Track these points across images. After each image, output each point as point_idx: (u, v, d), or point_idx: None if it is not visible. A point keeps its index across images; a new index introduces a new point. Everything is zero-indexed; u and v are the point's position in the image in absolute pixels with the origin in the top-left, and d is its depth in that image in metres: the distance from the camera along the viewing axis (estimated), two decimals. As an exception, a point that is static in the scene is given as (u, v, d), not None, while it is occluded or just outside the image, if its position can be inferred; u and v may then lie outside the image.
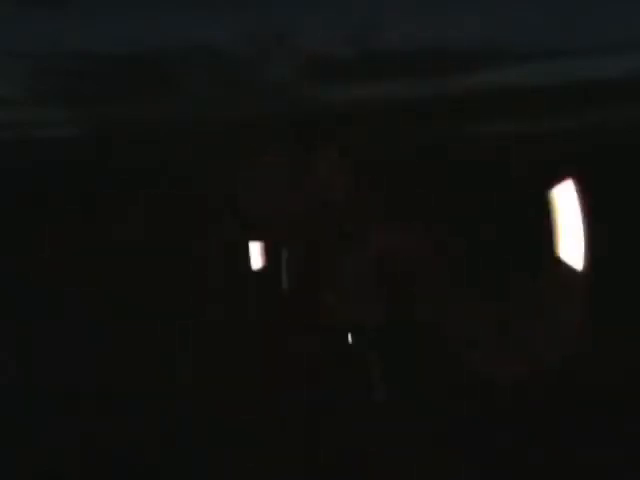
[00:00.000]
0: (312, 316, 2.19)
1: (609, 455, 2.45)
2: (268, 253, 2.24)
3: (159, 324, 4.28)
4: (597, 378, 2.27)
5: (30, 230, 8.10)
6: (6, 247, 7.16)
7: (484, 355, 2.08)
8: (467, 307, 2.05)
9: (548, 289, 2.03)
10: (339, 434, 2.25)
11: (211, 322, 4.18)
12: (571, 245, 2.30)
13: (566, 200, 2.31)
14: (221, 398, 3.13)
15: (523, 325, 1.95)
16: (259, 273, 2.06)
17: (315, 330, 2.20)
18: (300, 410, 2.22)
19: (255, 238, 2.21)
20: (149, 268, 6.09)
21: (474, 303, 2.03)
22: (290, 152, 2.23)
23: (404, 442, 2.60)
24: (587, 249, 2.38)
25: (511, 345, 2.00)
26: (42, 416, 3.22)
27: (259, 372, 2.62)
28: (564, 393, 2.28)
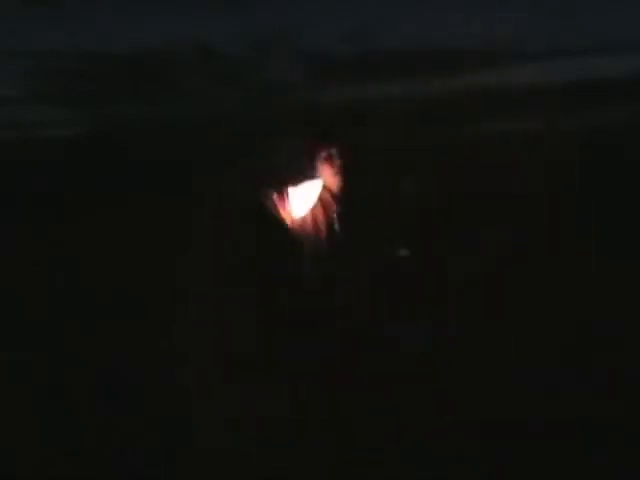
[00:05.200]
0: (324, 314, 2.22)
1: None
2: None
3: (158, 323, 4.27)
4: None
5: (31, 228, 8.10)
6: (6, 245, 7.16)
7: None
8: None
9: None
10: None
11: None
12: None
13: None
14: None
15: None
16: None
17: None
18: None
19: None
20: (148, 266, 6.07)
21: None
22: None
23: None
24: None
25: None
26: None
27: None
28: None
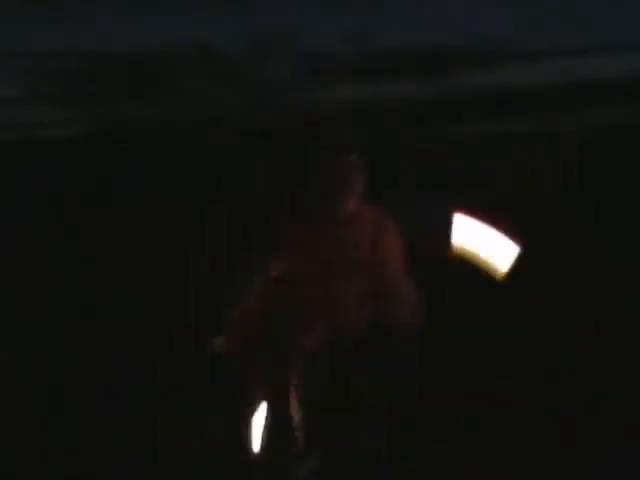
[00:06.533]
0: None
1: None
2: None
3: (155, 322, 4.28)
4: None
5: (31, 228, 8.10)
6: (6, 245, 7.15)
7: None
8: None
9: None
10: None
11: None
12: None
13: None
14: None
15: None
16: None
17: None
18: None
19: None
20: (148, 265, 6.07)
21: None
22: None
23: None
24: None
25: None
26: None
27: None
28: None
